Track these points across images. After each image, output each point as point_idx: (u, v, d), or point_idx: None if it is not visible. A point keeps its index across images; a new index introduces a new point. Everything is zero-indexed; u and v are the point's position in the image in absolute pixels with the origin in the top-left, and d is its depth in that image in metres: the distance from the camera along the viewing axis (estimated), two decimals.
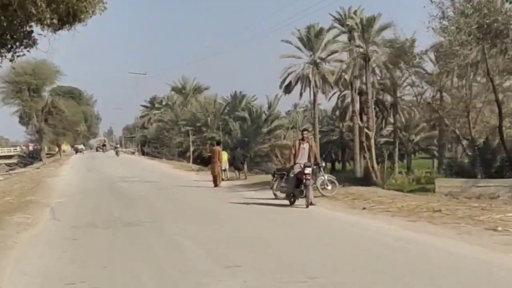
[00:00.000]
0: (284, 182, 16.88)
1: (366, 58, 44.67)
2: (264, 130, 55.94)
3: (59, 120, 74.26)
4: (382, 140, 67.86)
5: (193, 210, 15.25)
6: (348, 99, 65.88)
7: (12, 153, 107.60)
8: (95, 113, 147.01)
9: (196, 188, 23.14)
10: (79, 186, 24.56)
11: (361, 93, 65.85)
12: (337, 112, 70.89)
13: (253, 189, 21.37)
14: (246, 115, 59.86)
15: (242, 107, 63.94)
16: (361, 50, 45.93)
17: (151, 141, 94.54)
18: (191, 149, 53.68)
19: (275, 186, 17.34)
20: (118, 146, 69.34)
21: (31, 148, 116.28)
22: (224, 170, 26.93)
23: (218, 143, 26.67)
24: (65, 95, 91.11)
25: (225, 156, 26.93)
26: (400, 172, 56.39)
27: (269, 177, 22.73)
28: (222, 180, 26.67)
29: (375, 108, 67.22)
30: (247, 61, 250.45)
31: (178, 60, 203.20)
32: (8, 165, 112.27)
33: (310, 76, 52.00)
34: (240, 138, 54.18)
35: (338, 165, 78.31)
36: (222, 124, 57.84)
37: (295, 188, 15.32)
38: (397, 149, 58.78)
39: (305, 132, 16.71)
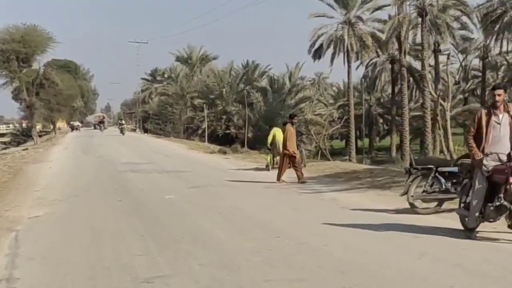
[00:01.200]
0: (432, 184, 9.62)
1: (422, 13, 36.57)
2: (292, 102, 48.15)
3: (52, 94, 66.45)
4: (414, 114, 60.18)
5: (304, 255, 7.59)
6: (379, 68, 58.28)
7: (4, 131, 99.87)
8: (92, 88, 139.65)
9: (248, 185, 15.38)
10: (70, 181, 16.89)
11: (393, 60, 58.22)
12: (363, 83, 63.29)
13: (340, 188, 13.87)
14: (267, 85, 51.85)
15: (255, 78, 56.01)
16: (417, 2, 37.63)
17: (153, 117, 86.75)
18: (206, 125, 45.93)
19: (412, 190, 9.83)
20: (124, 122, 60.17)
21: (24, 125, 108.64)
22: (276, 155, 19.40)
23: (292, 118, 16.47)
24: (60, 69, 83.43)
25: (281, 134, 19.30)
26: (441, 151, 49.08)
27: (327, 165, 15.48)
28: (266, 168, 19.34)
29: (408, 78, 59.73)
30: (257, 27, 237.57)
31: (180, 26, 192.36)
32: (3, 143, 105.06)
33: (346, 38, 44.13)
34: (263, 112, 46.34)
35: (359, 142, 70.89)
36: (238, 96, 50.03)
37: (485, 201, 7.73)
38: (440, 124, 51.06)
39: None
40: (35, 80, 56.46)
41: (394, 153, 53.96)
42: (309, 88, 56.89)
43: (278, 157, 19.15)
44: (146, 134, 71.04)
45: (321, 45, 46.71)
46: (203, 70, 71.82)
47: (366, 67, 60.91)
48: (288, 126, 15.80)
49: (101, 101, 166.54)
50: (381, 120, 70.20)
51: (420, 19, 37.19)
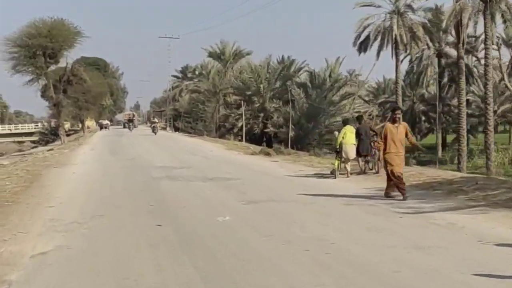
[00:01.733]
0: None
1: None
2: (335, 98, 44.57)
3: (80, 91, 64.01)
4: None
5: None
6: (425, 62, 54.34)
7: (33, 130, 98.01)
8: (121, 86, 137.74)
9: (321, 200, 11.78)
10: (94, 192, 13.69)
11: (439, 54, 54.21)
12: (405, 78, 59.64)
13: (447, 205, 10.43)
14: (306, 81, 48.24)
15: (292, 73, 52.48)
16: None
17: (183, 115, 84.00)
18: (243, 123, 42.61)
19: None
20: (156, 120, 55.87)
21: (53, 124, 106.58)
22: (344, 160, 15.94)
23: (395, 112, 11.91)
24: (89, 67, 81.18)
25: (351, 134, 15.82)
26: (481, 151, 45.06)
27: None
28: (331, 175, 16.02)
29: (450, 73, 55.74)
30: (289, 21, 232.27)
31: (211, 21, 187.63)
32: (32, 142, 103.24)
33: (395, 28, 40.37)
34: (305, 110, 42.81)
35: None
36: (276, 93, 46.61)
37: None
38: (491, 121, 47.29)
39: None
40: (62, 77, 53.88)
41: (440, 153, 50.05)
42: (349, 84, 53.13)
43: (345, 163, 15.79)
44: (177, 132, 68.31)
45: (367, 37, 43.03)
46: (235, 66, 68.70)
47: (410, 62, 57.10)
48: (388, 124, 11.82)
49: (131, 99, 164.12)
50: (423, 118, 66.20)
51: (482, 6, 33.12)
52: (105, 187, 14.66)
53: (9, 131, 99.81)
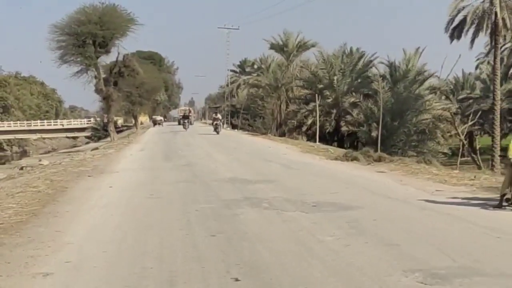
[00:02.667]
0: None
1: None
2: (425, 92, 38.16)
3: (133, 85, 59.44)
4: None
5: None
6: None
7: (85, 125, 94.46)
8: (176, 81, 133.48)
9: None
10: (133, 231, 8.08)
11: None
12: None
13: None
14: (386, 73, 41.76)
15: (360, 67, 46.16)
16: None
17: (241, 111, 78.72)
18: (317, 120, 36.55)
19: None
20: (219, 117, 45.64)
21: (105, 119, 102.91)
22: None
23: None
24: (143, 61, 76.81)
25: None
26: None
27: None
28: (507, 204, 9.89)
29: None
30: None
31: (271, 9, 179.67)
32: (87, 137, 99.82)
33: (498, 10, 33.67)
34: (389, 105, 36.47)
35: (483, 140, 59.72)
36: (351, 86, 40.48)
37: None
38: None
39: None
40: (113, 68, 49.18)
41: None
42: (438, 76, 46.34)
43: None
44: (235, 130, 63.09)
45: (461, 21, 36.38)
46: (296, 60, 62.74)
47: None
48: None
49: (185, 95, 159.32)
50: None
51: None
52: (150, 219, 9.07)
53: (61, 127, 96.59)
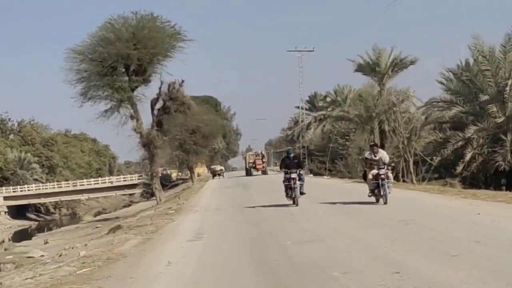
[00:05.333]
0: None
1: None
2: None
3: (184, 128, 45.53)
4: None
5: None
6: None
7: (136, 181, 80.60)
8: (234, 127, 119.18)
9: None
10: None
11: None
12: None
13: None
14: None
15: None
16: None
17: (314, 153, 63.22)
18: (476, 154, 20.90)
19: None
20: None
21: (160, 173, 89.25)
22: None
23: None
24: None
25: None
26: None
27: None
28: None
29: None
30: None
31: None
32: (130, 195, 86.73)
33: None
34: None
35: None
36: None
37: None
38: None
39: None
40: (155, 103, 34.98)
41: None
42: None
43: None
44: (323, 176, 48.22)
45: None
46: (388, 83, 47.66)
47: None
48: None
49: (243, 142, 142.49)
50: None
51: None
52: None
53: (110, 184, 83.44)
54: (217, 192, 31.72)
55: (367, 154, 16.03)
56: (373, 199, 15.27)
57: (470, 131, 25.13)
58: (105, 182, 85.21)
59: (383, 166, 14.94)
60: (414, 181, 26.67)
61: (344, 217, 13.43)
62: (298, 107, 71.76)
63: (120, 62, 32.08)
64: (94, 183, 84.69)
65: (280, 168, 17.84)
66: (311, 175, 49.98)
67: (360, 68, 47.62)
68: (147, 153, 35.01)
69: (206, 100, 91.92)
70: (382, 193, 14.84)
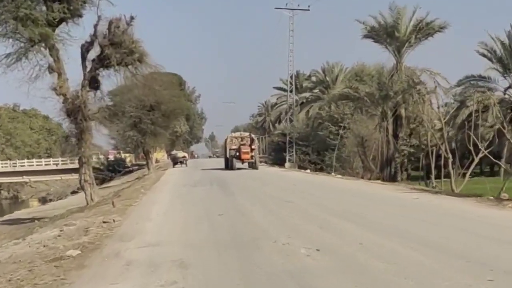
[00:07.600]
0: None
1: None
2: None
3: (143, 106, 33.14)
4: None
5: None
6: None
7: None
8: (198, 111, 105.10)
9: None
10: None
11: None
12: None
13: None
14: None
15: None
16: None
17: (298, 142, 50.66)
18: None
19: None
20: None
21: (111, 157, 75.86)
22: None
23: None
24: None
25: None
26: None
27: None
28: None
29: None
30: None
31: None
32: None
33: None
34: None
35: None
36: None
37: None
38: None
39: None
40: (89, 48, 21.94)
41: None
42: None
43: None
44: (303, 171, 36.35)
45: None
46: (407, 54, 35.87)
47: None
48: None
49: (207, 128, 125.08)
50: None
51: None
52: None
53: (55, 167, 69.68)
54: (181, 194, 18.99)
55: None
56: None
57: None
58: (49, 164, 71.29)
59: None
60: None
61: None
62: (278, 88, 59.19)
63: None
64: (37, 165, 71.10)
65: None
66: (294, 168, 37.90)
67: (372, 33, 35.35)
68: (73, 126, 21.99)
69: (169, 78, 78.59)
70: None
